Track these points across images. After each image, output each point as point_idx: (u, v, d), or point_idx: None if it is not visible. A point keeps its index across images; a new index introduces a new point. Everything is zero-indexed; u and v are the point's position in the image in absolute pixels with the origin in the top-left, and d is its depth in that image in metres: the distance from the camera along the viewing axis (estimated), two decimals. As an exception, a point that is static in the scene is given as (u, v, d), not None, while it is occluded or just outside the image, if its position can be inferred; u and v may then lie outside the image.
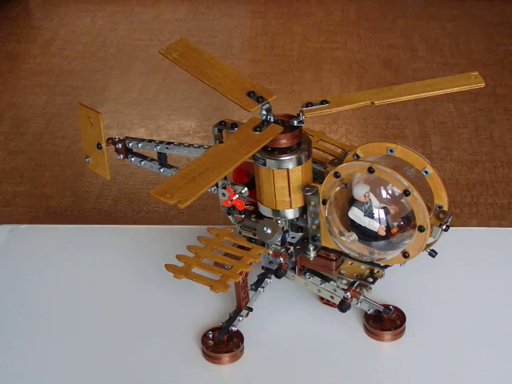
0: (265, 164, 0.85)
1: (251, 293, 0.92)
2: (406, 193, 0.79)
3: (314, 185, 0.85)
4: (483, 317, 0.93)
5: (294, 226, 0.89)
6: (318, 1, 3.53)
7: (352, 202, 0.82)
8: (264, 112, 0.85)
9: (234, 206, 0.90)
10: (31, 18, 3.50)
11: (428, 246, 0.84)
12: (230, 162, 0.78)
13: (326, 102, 0.84)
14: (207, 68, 0.89)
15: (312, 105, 0.85)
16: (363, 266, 0.91)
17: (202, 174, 0.76)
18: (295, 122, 0.84)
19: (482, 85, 0.83)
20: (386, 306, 0.91)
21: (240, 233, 0.91)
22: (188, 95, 2.79)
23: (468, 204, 2.23)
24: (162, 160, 0.97)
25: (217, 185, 0.91)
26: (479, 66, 2.96)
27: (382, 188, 0.82)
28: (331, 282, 0.91)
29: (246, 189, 0.89)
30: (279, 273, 0.89)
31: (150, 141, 0.97)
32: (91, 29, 3.32)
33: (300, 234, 0.89)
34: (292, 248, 0.88)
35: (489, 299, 0.96)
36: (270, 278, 0.92)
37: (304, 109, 0.84)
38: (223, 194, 0.91)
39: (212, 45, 3.08)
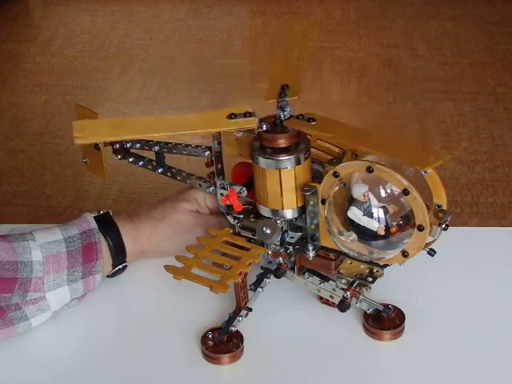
0: (263, 164, 0.85)
1: (250, 293, 0.92)
2: (405, 192, 0.78)
3: (312, 184, 0.85)
4: (483, 316, 0.93)
5: (293, 225, 0.89)
6: (318, 0, 3.53)
7: (351, 201, 0.82)
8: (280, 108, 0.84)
9: (231, 207, 0.90)
10: (31, 17, 3.51)
11: (427, 245, 0.83)
12: (178, 126, 0.77)
13: (313, 120, 0.83)
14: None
15: (298, 118, 0.83)
16: (362, 266, 0.90)
17: (135, 125, 0.76)
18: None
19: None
20: (386, 306, 0.91)
21: (239, 233, 0.91)
22: (188, 95, 2.79)
23: (468, 203, 2.23)
24: (160, 160, 0.97)
25: (215, 185, 0.91)
26: (479, 65, 2.96)
27: (381, 187, 0.82)
28: (330, 282, 0.91)
29: (244, 189, 0.88)
30: (278, 273, 0.89)
31: (148, 141, 0.97)
32: (91, 28, 3.32)
33: (299, 233, 0.89)
34: (291, 248, 0.88)
35: (489, 299, 0.96)
36: (269, 278, 0.92)
37: (290, 118, 0.84)
38: (221, 194, 0.91)
39: (212, 44, 3.08)
